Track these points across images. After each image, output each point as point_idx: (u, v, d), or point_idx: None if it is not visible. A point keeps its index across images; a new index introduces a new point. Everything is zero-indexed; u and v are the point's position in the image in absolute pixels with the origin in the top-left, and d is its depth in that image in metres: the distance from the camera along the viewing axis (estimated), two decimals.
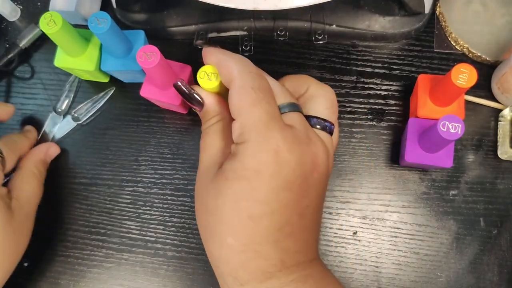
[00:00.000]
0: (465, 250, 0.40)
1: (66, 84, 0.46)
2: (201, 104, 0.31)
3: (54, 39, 0.38)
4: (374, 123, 0.43)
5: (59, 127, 0.45)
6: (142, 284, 0.41)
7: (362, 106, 0.43)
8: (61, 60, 0.42)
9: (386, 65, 0.44)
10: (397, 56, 0.45)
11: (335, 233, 0.41)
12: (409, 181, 0.41)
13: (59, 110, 0.45)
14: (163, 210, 0.43)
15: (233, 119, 0.27)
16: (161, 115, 0.45)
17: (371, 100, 0.44)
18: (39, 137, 0.45)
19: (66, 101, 0.45)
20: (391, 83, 0.44)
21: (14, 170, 0.41)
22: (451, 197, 0.41)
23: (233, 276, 0.26)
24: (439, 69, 0.44)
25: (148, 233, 0.42)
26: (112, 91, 0.46)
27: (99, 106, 0.45)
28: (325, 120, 0.30)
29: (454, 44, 0.44)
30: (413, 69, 0.44)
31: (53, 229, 0.43)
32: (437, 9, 0.45)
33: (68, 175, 0.44)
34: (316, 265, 0.28)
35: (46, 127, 0.45)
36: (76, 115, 0.44)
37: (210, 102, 0.31)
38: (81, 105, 0.45)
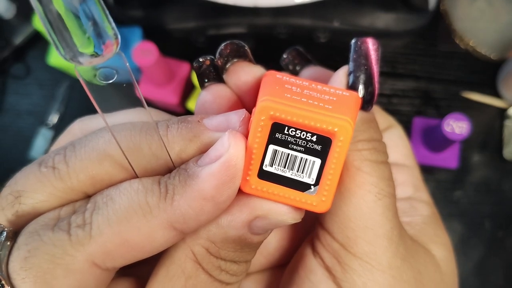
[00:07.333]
0: (469, 252, 0.39)
1: (56, 95, 0.45)
2: None
3: None
4: None
5: (36, 144, 0.43)
6: None
7: None
8: (56, 58, 0.41)
9: (389, 64, 0.43)
10: (400, 54, 0.44)
11: None
12: None
13: (50, 124, 0.43)
14: None
15: None
16: None
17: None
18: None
19: (57, 114, 0.44)
20: (394, 82, 0.43)
21: None
22: (455, 198, 0.40)
23: None
24: (443, 67, 0.43)
25: None
26: (65, 83, 0.45)
27: (60, 101, 0.44)
28: None
29: (458, 42, 0.43)
30: (417, 67, 0.43)
31: None
32: (441, 6, 0.44)
33: None
34: None
35: (35, 146, 0.43)
36: (47, 122, 0.42)
37: None
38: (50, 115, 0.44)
